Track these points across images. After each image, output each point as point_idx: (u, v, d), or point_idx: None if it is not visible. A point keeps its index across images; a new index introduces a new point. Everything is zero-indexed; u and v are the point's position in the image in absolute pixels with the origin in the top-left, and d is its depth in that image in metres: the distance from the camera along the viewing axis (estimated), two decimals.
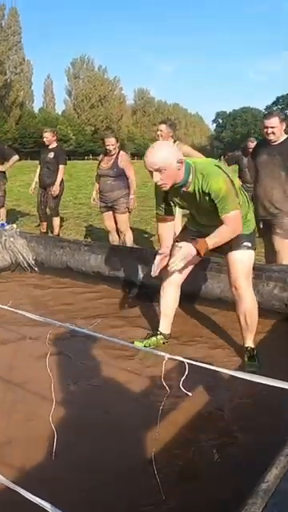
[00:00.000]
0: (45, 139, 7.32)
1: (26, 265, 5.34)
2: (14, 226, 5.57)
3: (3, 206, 7.72)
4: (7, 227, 5.43)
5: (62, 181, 7.37)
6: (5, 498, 1.52)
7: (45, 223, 7.63)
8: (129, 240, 5.89)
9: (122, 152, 5.81)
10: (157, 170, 2.65)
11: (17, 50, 65.34)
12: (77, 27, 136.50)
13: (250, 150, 5.75)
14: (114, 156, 5.75)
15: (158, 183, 2.71)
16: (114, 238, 6.04)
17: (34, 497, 1.04)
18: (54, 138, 7.36)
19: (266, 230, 4.66)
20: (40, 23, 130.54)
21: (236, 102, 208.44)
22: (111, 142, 5.66)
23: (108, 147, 5.69)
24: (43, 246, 5.25)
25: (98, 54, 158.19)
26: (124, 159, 5.76)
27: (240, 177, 6.29)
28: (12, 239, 5.36)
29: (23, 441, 2.19)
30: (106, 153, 5.80)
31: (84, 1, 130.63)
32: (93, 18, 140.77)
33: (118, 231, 5.99)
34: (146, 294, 4.14)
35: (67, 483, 1.91)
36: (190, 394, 1.67)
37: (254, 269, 3.34)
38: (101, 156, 6.10)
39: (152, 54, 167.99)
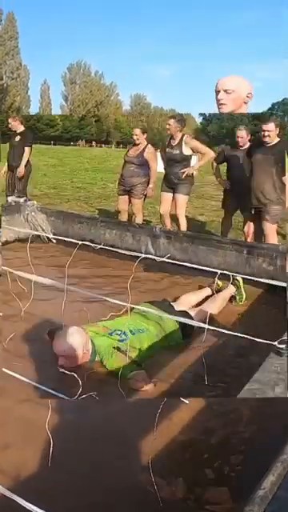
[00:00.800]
0: (10, 125, 7.94)
1: (44, 237, 6.05)
2: (35, 202, 6.27)
3: None
4: (29, 203, 6.13)
5: (28, 163, 7.94)
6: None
7: None
8: (139, 221, 6.66)
9: (149, 145, 6.57)
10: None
11: (13, 55, 65.00)
12: (74, 33, 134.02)
13: (238, 138, 6.18)
14: (142, 147, 6.50)
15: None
16: (123, 219, 6.79)
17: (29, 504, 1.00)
18: (17, 122, 7.90)
19: (256, 216, 5.57)
20: (37, 28, 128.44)
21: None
22: (136, 133, 6.46)
23: (134, 137, 6.50)
24: (62, 221, 5.96)
25: (94, 59, 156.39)
26: (150, 151, 6.51)
27: (228, 174, 6.56)
28: (33, 213, 6.06)
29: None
30: (135, 143, 6.58)
31: (81, 7, 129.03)
32: (89, 25, 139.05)
33: (129, 213, 6.78)
34: (156, 266, 4.91)
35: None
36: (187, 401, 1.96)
37: (247, 246, 4.24)
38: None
39: (149, 59, 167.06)
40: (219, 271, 3.21)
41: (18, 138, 7.83)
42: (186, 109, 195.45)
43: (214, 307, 3.63)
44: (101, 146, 59.86)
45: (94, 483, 1.84)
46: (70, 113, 74.58)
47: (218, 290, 3.93)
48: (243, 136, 6.13)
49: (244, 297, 3.96)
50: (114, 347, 2.71)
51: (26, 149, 7.81)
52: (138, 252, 5.13)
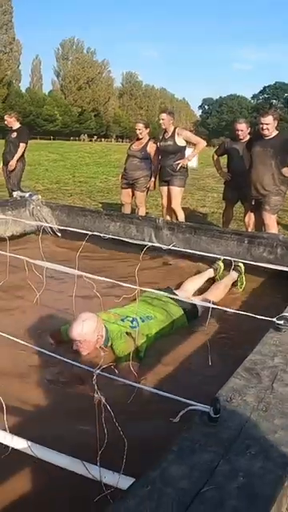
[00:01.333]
0: (6, 122, 8.18)
1: (49, 230, 6.19)
2: (40, 196, 6.41)
3: None
4: (34, 197, 6.26)
5: (22, 158, 8.16)
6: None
7: None
8: (142, 213, 6.80)
9: (152, 139, 6.70)
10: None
11: (7, 30, 65.08)
12: (67, 9, 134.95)
13: (238, 131, 6.22)
14: (145, 141, 6.65)
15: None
16: (126, 212, 6.94)
17: None
18: (13, 119, 8.14)
19: (256, 207, 5.71)
20: (31, 4, 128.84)
21: (222, 90, 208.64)
22: (139, 127, 6.59)
23: (137, 131, 6.61)
24: (66, 214, 6.11)
25: (87, 36, 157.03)
26: (152, 146, 6.63)
27: (229, 166, 6.61)
28: (38, 207, 6.21)
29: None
30: (138, 137, 6.70)
31: None
32: (83, 2, 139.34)
33: (132, 206, 6.93)
34: (159, 256, 5.06)
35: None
36: None
37: (248, 236, 4.41)
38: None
39: (140, 38, 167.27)
40: (222, 257, 3.34)
41: (14, 135, 8.04)
42: (177, 89, 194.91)
43: (217, 294, 3.79)
44: (100, 140, 59.89)
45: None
46: (60, 88, 74.50)
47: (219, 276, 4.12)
48: (243, 129, 6.22)
49: (244, 283, 4.13)
50: (127, 332, 2.83)
51: (21, 144, 8.01)
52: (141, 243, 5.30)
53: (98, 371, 1.59)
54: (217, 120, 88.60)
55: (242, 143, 6.17)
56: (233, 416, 1.51)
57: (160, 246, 4.13)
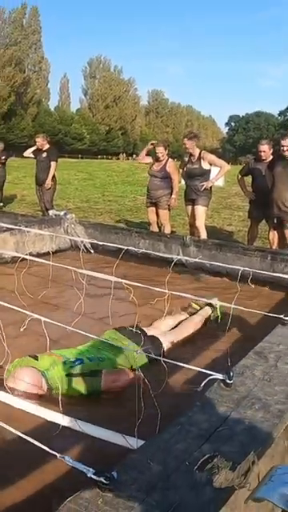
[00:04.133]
0: (37, 143, 8.72)
1: (83, 247, 6.57)
2: (73, 215, 6.80)
3: None
4: (68, 216, 6.66)
5: (54, 176, 8.69)
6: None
7: None
8: (168, 231, 7.16)
9: (170, 159, 7.11)
10: None
11: (36, 49, 67.13)
12: (94, 28, 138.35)
13: (260, 152, 6.56)
14: (164, 161, 7.03)
15: None
16: (153, 230, 7.31)
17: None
18: (45, 141, 8.72)
19: (278, 224, 6.00)
20: (59, 23, 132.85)
21: (249, 106, 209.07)
22: (160, 150, 6.98)
23: (157, 154, 7.00)
24: (99, 232, 6.48)
25: (113, 54, 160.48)
26: (171, 165, 7.06)
27: (253, 186, 6.94)
28: (73, 226, 6.60)
29: None
30: (157, 158, 7.08)
31: (103, 4, 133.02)
32: (110, 20, 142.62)
33: (158, 224, 7.30)
34: (186, 272, 5.37)
35: None
36: None
37: (271, 252, 4.72)
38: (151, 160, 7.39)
39: (165, 56, 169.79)
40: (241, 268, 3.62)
41: (44, 155, 8.58)
42: (203, 106, 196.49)
43: (187, 328, 3.62)
44: (128, 159, 60.77)
45: None
46: (88, 107, 76.03)
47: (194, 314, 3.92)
48: (265, 150, 6.53)
49: (220, 317, 3.84)
50: (67, 374, 2.68)
51: (52, 163, 8.59)
52: (170, 259, 5.63)
53: (139, 351, 1.96)
54: (243, 137, 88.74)
55: (265, 163, 6.48)
56: (243, 384, 1.95)
57: (188, 259, 4.41)
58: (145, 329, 3.40)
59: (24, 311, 2.26)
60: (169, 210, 7.27)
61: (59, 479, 1.72)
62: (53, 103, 75.56)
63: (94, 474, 1.23)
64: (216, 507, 1.17)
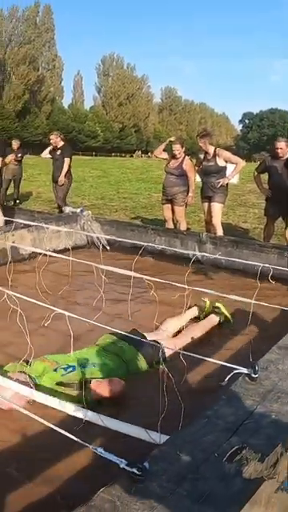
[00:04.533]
0: (51, 141, 8.82)
1: (99, 244, 6.60)
2: (90, 212, 6.85)
3: None
4: (85, 213, 6.70)
5: (68, 174, 8.73)
6: None
7: None
8: (183, 228, 7.17)
9: (187, 157, 7.10)
10: None
11: (50, 47, 67.25)
12: (106, 26, 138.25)
13: (277, 149, 6.45)
14: (180, 159, 7.04)
15: None
16: (169, 227, 7.32)
17: None
18: (58, 139, 8.74)
19: None
20: (72, 20, 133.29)
21: (263, 104, 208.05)
22: (177, 148, 6.98)
23: (174, 151, 7.01)
24: (115, 229, 6.51)
25: (126, 52, 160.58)
26: (188, 163, 7.05)
27: (269, 183, 6.84)
28: (89, 223, 6.64)
29: None
30: (174, 155, 7.10)
31: (114, 1, 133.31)
32: (122, 18, 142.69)
33: (173, 221, 7.31)
34: (202, 269, 5.39)
35: None
36: None
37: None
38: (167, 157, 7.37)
39: (179, 54, 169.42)
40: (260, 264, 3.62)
41: (59, 152, 8.67)
42: (216, 103, 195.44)
43: (192, 333, 3.53)
44: (141, 156, 60.74)
45: None
46: (102, 104, 75.86)
47: (205, 314, 3.88)
48: (282, 147, 6.49)
49: (230, 318, 3.83)
50: (57, 383, 2.63)
51: (66, 159, 8.63)
52: (186, 256, 5.65)
53: (164, 345, 2.00)
54: (257, 135, 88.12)
55: (282, 161, 6.44)
56: (268, 378, 1.99)
57: (208, 255, 4.40)
58: (146, 334, 3.29)
59: (48, 306, 2.28)
60: (185, 206, 7.28)
61: (90, 470, 1.76)
62: (66, 101, 75.73)
63: (126, 465, 1.25)
64: (246, 497, 1.19)
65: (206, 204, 6.92)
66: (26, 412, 1.78)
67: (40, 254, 4.40)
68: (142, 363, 2.97)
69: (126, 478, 1.25)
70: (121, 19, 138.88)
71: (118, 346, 2.99)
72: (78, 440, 1.42)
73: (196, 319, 3.84)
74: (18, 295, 2.34)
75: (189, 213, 8.43)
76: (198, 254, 4.41)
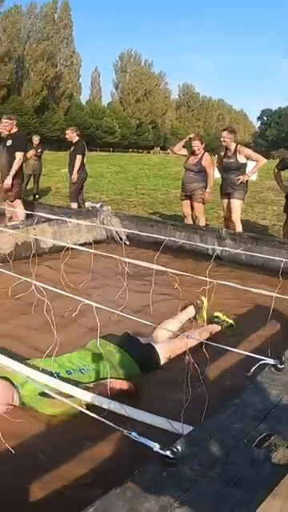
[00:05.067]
0: (67, 136, 8.93)
1: (118, 239, 6.65)
2: (109, 207, 6.89)
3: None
4: (104, 208, 6.75)
5: (81, 170, 8.82)
6: None
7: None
8: (202, 224, 7.19)
9: (206, 153, 7.14)
10: None
11: (68, 43, 67.66)
12: (124, 23, 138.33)
13: None
14: (200, 155, 7.06)
15: None
16: (188, 223, 7.34)
17: None
18: (74, 134, 8.87)
19: None
20: (89, 16, 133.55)
21: (282, 100, 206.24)
22: (196, 144, 7.02)
23: (193, 147, 7.03)
24: (134, 224, 6.55)
25: (143, 48, 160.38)
26: (207, 159, 7.09)
27: None
28: (108, 218, 6.69)
29: None
30: (193, 151, 7.12)
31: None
32: (140, 15, 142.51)
33: (192, 217, 7.34)
34: (221, 265, 5.40)
35: None
36: None
37: None
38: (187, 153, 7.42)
39: (197, 51, 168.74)
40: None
41: (72, 149, 8.78)
42: (234, 100, 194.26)
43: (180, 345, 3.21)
44: (159, 153, 60.69)
45: None
46: (119, 101, 76.35)
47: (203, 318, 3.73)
48: None
49: (234, 324, 3.68)
50: (40, 393, 2.41)
51: (77, 156, 8.70)
52: (206, 252, 5.66)
53: (190, 336, 2.03)
54: (276, 132, 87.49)
55: None
56: None
57: (229, 250, 4.41)
58: (140, 338, 3.17)
59: (76, 297, 2.32)
60: (202, 203, 7.31)
61: (121, 454, 1.81)
62: (84, 97, 76.38)
63: (159, 449, 1.29)
64: (274, 482, 1.23)
65: (226, 200, 6.94)
66: (59, 397, 1.82)
67: (63, 247, 4.44)
68: (134, 369, 2.88)
69: (159, 461, 1.29)
70: (135, 16, 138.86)
71: (107, 349, 2.87)
72: (111, 424, 1.46)
73: (193, 319, 3.73)
74: (46, 286, 2.37)
75: (207, 209, 8.44)
76: (219, 248, 4.40)
